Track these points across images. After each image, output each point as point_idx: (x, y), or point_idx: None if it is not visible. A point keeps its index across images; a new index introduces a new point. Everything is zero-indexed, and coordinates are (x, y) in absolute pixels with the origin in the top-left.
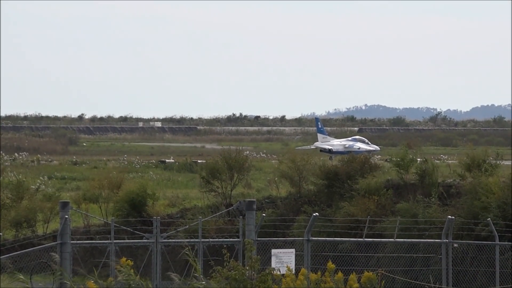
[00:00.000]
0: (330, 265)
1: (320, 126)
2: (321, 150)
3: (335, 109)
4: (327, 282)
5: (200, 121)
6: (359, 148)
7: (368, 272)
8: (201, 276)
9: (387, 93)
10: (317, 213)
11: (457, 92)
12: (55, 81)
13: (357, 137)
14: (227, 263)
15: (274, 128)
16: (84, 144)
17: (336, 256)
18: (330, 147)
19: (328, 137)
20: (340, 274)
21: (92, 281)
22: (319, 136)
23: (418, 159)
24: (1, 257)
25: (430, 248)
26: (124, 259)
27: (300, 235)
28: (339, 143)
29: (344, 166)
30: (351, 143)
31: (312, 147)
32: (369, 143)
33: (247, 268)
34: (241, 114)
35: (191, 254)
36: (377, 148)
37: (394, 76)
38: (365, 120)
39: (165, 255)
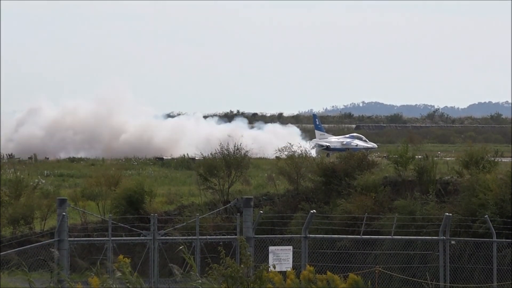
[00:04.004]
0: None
1: (317, 123)
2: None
3: (333, 106)
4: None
5: None
6: (356, 145)
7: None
8: (198, 273)
9: (384, 90)
10: (314, 210)
11: (455, 88)
12: (51, 77)
13: (354, 134)
14: (223, 261)
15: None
16: None
17: (334, 253)
18: (327, 144)
19: (325, 134)
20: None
21: (92, 277)
22: (317, 133)
23: (418, 156)
24: (0, 253)
25: (428, 245)
26: (121, 256)
27: (297, 232)
28: (336, 140)
29: (342, 163)
30: (348, 140)
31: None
32: (367, 140)
33: (242, 266)
34: (238, 111)
35: (186, 251)
36: (375, 145)
37: (391, 73)
38: (362, 117)
39: (162, 252)
